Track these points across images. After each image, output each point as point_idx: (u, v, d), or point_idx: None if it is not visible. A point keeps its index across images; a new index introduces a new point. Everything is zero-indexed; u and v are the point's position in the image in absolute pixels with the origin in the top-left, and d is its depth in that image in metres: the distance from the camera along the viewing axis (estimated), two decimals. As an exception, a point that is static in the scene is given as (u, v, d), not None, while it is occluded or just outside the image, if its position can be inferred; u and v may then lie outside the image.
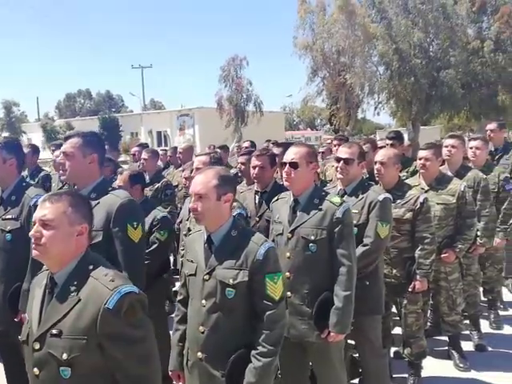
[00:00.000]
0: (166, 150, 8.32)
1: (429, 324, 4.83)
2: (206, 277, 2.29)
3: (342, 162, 3.35)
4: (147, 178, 5.92)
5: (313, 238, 2.80)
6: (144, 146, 7.68)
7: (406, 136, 25.27)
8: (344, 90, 25.46)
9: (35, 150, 6.44)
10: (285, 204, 3.00)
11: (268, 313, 2.23)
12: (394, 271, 3.77)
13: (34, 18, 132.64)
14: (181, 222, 4.22)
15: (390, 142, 5.69)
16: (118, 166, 6.84)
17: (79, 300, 1.76)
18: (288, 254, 2.86)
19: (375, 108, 27.26)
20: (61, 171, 2.75)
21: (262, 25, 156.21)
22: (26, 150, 5.81)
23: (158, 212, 3.85)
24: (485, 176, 4.62)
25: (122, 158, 22.25)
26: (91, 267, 1.84)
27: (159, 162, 6.93)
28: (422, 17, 24.01)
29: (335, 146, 5.99)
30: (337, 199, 2.86)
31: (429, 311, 4.71)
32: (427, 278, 3.74)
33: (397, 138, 5.76)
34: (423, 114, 26.51)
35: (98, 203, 2.60)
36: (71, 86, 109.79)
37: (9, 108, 44.05)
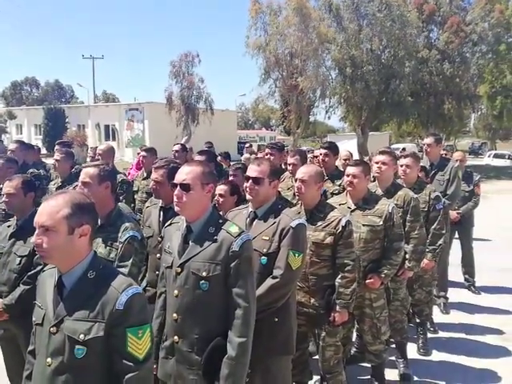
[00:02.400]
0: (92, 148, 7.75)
1: (354, 349, 4.54)
2: (53, 329, 1.83)
3: (250, 181, 2.95)
4: (59, 180, 5.41)
5: (205, 274, 2.36)
6: (65, 144, 7.02)
7: (355, 141, 25.68)
8: (296, 92, 25.30)
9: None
10: (177, 231, 2.55)
11: (129, 375, 1.79)
12: (313, 300, 3.41)
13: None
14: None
15: (323, 151, 5.37)
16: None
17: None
18: (176, 292, 2.42)
19: (326, 112, 27.38)
20: None
21: (217, 22, 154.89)
22: None
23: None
24: (415, 195, 4.36)
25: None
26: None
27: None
28: (376, 24, 24.19)
29: (267, 154, 5.62)
30: (235, 228, 2.43)
31: (354, 335, 4.42)
32: (348, 308, 3.41)
33: (331, 148, 5.44)
34: (373, 119, 26.83)
35: None
36: (18, 74, 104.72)
37: None
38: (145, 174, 6.11)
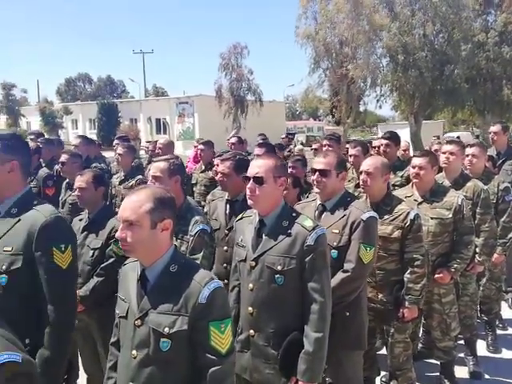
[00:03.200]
0: (151, 142, 7.91)
1: (420, 345, 4.42)
2: (138, 322, 1.86)
3: (317, 173, 2.90)
4: (121, 174, 5.53)
5: (280, 268, 2.35)
6: (124, 138, 7.19)
7: (407, 130, 24.99)
8: (346, 81, 24.86)
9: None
10: (250, 224, 2.54)
11: (212, 369, 1.79)
12: (380, 296, 3.34)
13: (33, 2, 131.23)
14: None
15: (385, 141, 5.25)
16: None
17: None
18: (251, 286, 2.42)
19: (377, 101, 26.77)
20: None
21: (265, 12, 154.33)
22: (32, 144, 5.46)
23: (117, 222, 3.42)
24: (485, 187, 4.17)
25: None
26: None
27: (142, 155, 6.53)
28: (429, 9, 23.37)
29: (324, 146, 5.53)
30: (309, 222, 2.39)
31: (421, 331, 4.31)
32: (418, 304, 3.31)
33: (392, 138, 5.30)
34: (426, 107, 26.00)
35: (19, 221, 2.17)
36: (72, 70, 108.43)
37: (8, 90, 43.41)
38: (203, 167, 6.19)
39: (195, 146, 8.12)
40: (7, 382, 1.33)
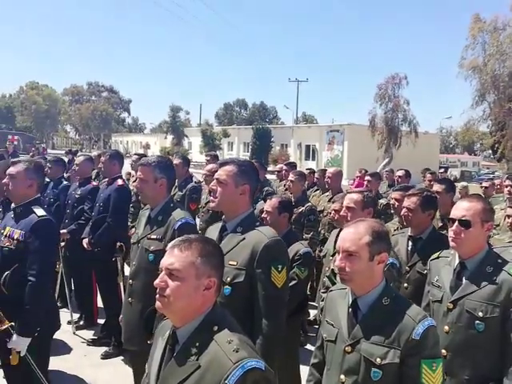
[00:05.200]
0: (311, 170, 8.13)
1: None
2: (348, 348, 1.96)
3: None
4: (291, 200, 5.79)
5: (481, 314, 2.29)
6: (292, 165, 7.54)
7: None
8: (513, 116, 23.02)
9: (186, 161, 6.65)
10: (446, 265, 2.52)
11: None
12: None
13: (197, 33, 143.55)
14: (324, 255, 3.95)
15: None
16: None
17: (198, 367, 1.57)
18: (447, 328, 2.39)
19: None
20: (211, 197, 2.63)
21: (423, 43, 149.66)
22: (177, 161, 6.11)
23: (301, 246, 3.61)
24: None
25: (270, 167, 22.55)
26: (216, 328, 1.64)
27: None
28: None
29: (507, 187, 5.21)
30: None
31: None
32: None
33: None
34: None
35: (244, 239, 2.42)
36: (230, 96, 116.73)
37: (175, 112, 47.96)
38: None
39: (358, 176, 8.17)
40: None
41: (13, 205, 3.26)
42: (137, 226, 3.40)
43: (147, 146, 53.72)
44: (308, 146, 39.75)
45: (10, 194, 3.22)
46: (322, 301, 3.44)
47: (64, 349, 4.81)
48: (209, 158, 7.71)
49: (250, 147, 40.65)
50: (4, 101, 75.62)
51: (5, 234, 3.12)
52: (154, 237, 3.10)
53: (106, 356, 4.80)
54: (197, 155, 40.12)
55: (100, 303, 5.47)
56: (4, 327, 2.90)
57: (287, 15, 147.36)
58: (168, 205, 3.21)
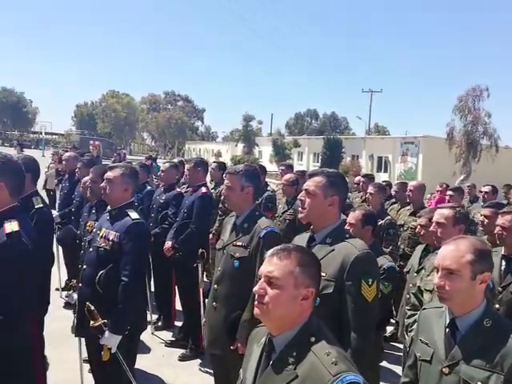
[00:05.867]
0: (388, 183, 7.95)
1: None
2: (446, 370, 1.90)
3: None
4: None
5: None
6: (370, 177, 7.42)
7: None
8: None
9: (262, 170, 6.74)
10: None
11: None
12: None
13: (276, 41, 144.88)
14: (408, 271, 3.85)
15: None
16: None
17: (296, 376, 1.58)
18: None
19: None
20: (299, 208, 2.64)
21: (506, 51, 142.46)
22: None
23: (385, 260, 3.55)
24: None
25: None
26: (313, 339, 1.63)
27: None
28: None
29: None
30: None
31: None
32: None
33: None
34: None
35: (333, 250, 2.41)
36: (301, 106, 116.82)
37: (248, 121, 48.67)
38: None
39: (438, 191, 7.90)
40: None
41: (109, 207, 3.45)
42: (222, 232, 3.49)
43: (219, 154, 54.78)
44: (380, 158, 38.86)
45: (107, 196, 3.40)
46: (408, 318, 3.36)
47: (144, 348, 4.99)
48: (283, 168, 7.77)
49: (321, 158, 40.39)
50: (87, 108, 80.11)
51: (101, 234, 3.30)
52: (240, 244, 3.16)
53: (183, 358, 4.93)
54: (267, 164, 40.45)
55: (178, 306, 5.64)
56: (97, 324, 3.06)
57: (362, 26, 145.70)
58: (253, 213, 3.27)
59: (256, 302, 1.69)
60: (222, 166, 7.37)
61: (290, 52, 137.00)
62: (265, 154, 46.64)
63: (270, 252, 1.76)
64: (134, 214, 3.27)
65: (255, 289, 1.70)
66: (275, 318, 1.67)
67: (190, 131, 79.37)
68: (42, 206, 3.65)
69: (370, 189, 5.74)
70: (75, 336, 3.60)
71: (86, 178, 4.76)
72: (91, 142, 42.88)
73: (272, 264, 1.70)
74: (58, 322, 4.79)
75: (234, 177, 3.27)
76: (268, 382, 1.66)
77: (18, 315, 2.19)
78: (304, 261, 1.71)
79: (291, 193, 6.32)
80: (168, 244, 5.14)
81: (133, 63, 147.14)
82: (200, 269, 4.78)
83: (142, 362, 4.59)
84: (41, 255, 2.76)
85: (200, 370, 4.76)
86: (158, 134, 76.21)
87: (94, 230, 3.46)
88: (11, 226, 2.19)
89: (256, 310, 1.70)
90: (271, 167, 26.55)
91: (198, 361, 4.90)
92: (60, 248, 6.23)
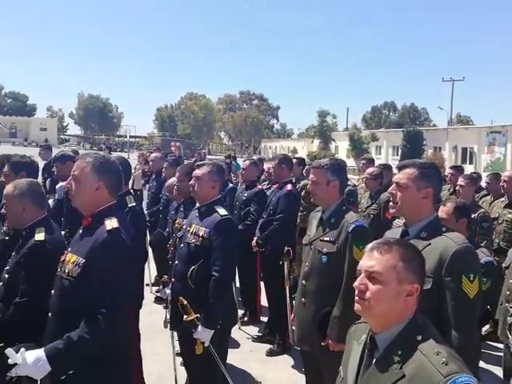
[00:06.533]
0: (477, 174, 7.53)
1: None
2: None
3: None
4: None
5: None
6: (459, 169, 7.07)
7: None
8: None
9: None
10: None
11: None
12: None
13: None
14: (507, 267, 3.62)
15: None
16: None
17: (403, 376, 1.50)
18: None
19: None
20: (391, 203, 2.56)
21: None
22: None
23: (483, 255, 3.36)
24: None
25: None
26: (419, 338, 1.55)
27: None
28: None
29: None
30: None
31: None
32: None
33: None
34: None
35: (429, 245, 2.29)
36: (378, 99, 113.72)
37: (323, 117, 48.20)
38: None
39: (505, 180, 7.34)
40: None
41: (197, 204, 3.53)
42: (308, 227, 3.46)
43: (295, 151, 54.70)
44: (464, 149, 36.94)
45: (196, 194, 3.48)
46: (511, 316, 3.16)
47: (232, 343, 5.07)
48: (364, 162, 7.60)
49: (400, 151, 39.13)
50: (167, 111, 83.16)
51: (191, 231, 3.38)
52: (327, 239, 3.12)
53: (270, 353, 4.97)
54: (343, 159, 39.81)
55: (264, 301, 5.68)
56: (190, 318, 3.13)
57: (439, 13, 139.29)
58: (340, 207, 3.22)
59: (357, 298, 1.64)
60: (301, 162, 7.36)
61: (364, 43, 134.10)
62: (341, 148, 45.96)
63: (369, 246, 1.70)
64: (222, 211, 3.33)
65: (355, 284, 1.65)
66: (377, 314, 1.61)
67: (265, 129, 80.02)
68: (134, 204, 3.81)
69: (461, 181, 5.45)
70: (169, 330, 3.72)
71: (172, 180, 4.91)
72: (172, 143, 44.51)
73: (373, 258, 1.64)
74: (150, 316, 4.98)
75: (320, 171, 3.23)
76: (371, 381, 1.60)
77: (122, 311, 2.29)
78: (407, 255, 1.64)
79: (375, 187, 6.17)
80: (254, 241, 5.19)
81: (209, 64, 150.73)
82: (286, 266, 4.78)
83: (231, 357, 4.63)
84: (138, 251, 2.87)
85: (288, 365, 4.76)
86: (234, 134, 77.58)
87: (184, 227, 3.56)
88: (111, 223, 2.29)
89: (357, 306, 1.64)
90: (348, 162, 26.17)
91: (286, 356, 4.92)
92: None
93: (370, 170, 6.31)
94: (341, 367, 1.81)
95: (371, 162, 7.68)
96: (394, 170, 2.82)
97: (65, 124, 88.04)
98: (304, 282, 3.21)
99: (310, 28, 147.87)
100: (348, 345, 1.82)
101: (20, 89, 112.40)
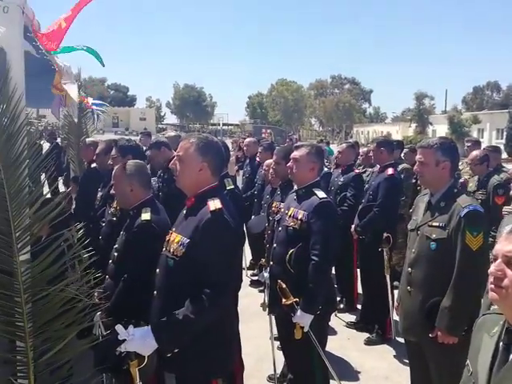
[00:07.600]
0: None
1: None
2: None
3: None
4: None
5: None
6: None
7: None
8: None
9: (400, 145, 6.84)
10: None
11: None
12: None
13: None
14: None
15: None
16: None
17: None
18: None
19: None
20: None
21: None
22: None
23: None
24: None
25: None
26: None
27: None
28: None
29: None
30: None
31: None
32: None
33: None
34: None
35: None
36: (480, 79, 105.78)
37: (420, 99, 46.13)
38: None
39: None
40: None
41: (295, 187, 3.45)
42: (414, 211, 3.26)
43: (388, 136, 52.96)
44: None
45: (294, 176, 3.41)
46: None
47: (329, 330, 4.99)
48: (470, 144, 7.06)
49: (505, 133, 36.38)
50: (257, 99, 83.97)
51: (289, 214, 3.31)
52: (437, 224, 2.91)
53: (369, 342, 4.81)
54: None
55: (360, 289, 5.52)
56: (289, 302, 3.08)
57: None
58: (451, 190, 2.98)
59: (492, 286, 1.46)
60: (400, 145, 7.08)
61: (464, 21, 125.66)
62: (439, 132, 43.59)
63: (508, 228, 1.52)
64: (321, 193, 3.22)
65: (491, 270, 1.47)
66: None
67: (357, 114, 78.10)
68: (233, 187, 3.82)
69: None
70: (268, 313, 3.70)
71: (269, 161, 4.87)
72: (263, 130, 44.82)
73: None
74: (246, 298, 5.02)
75: (428, 151, 3.01)
76: (509, 377, 1.44)
77: (226, 292, 2.28)
78: None
79: (482, 171, 5.71)
80: (353, 227, 5.03)
81: (299, 50, 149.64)
82: (386, 255, 4.59)
83: (328, 344, 4.57)
84: (240, 232, 2.87)
85: (389, 355, 4.59)
86: (325, 119, 76.52)
87: (283, 210, 3.50)
88: (215, 204, 2.28)
89: (492, 295, 1.47)
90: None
91: (385, 346, 4.74)
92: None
93: (474, 153, 5.85)
94: (468, 361, 1.65)
95: (477, 144, 7.13)
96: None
97: (162, 114, 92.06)
98: (410, 269, 3.03)
99: (403, 8, 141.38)
100: (476, 337, 1.65)
101: (121, 80, 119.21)
